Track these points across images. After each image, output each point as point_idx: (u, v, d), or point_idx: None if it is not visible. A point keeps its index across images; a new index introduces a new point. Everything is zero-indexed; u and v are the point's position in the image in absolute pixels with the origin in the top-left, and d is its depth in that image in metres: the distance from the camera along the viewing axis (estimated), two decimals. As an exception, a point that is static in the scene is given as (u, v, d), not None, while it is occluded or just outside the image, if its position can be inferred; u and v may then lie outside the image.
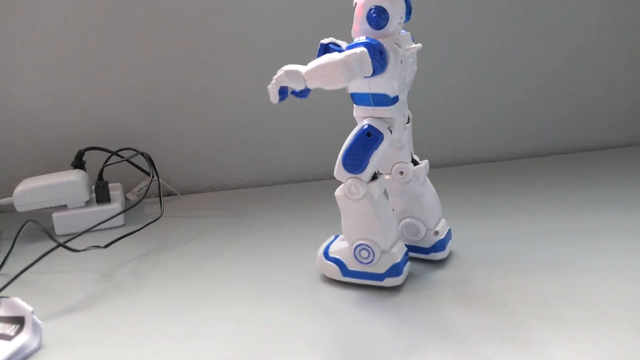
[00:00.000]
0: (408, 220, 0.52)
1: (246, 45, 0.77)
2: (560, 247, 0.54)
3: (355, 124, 0.47)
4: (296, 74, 0.43)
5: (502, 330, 0.41)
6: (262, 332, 0.44)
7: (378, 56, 0.43)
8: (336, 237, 0.53)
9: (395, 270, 0.48)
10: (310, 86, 0.44)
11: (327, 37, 0.49)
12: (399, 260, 0.48)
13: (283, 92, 0.45)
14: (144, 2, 0.74)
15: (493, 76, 0.81)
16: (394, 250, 0.48)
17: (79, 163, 0.71)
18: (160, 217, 0.66)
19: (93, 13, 0.74)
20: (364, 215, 0.47)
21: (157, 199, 0.71)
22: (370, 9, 0.44)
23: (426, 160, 0.52)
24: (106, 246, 0.58)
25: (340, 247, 0.50)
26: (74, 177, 0.68)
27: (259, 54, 0.77)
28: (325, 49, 0.48)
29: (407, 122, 0.50)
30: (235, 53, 0.77)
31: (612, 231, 0.56)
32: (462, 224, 0.57)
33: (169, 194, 0.80)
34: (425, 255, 0.53)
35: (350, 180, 0.46)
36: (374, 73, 0.44)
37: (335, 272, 0.50)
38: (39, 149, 0.78)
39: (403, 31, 0.47)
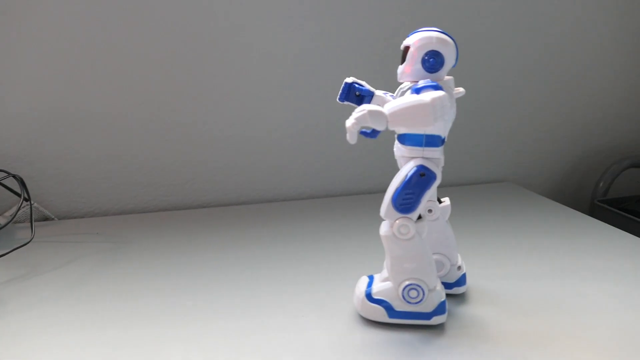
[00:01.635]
0: (435, 256, 0.52)
1: (129, 66, 0.76)
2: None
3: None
4: (379, 114, 0.42)
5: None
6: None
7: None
8: (371, 277, 0.51)
9: (442, 308, 0.48)
10: (392, 127, 0.43)
11: (349, 77, 0.50)
12: (444, 297, 0.48)
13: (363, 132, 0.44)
14: (13, 24, 0.71)
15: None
16: (438, 288, 0.48)
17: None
18: (30, 241, 0.63)
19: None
20: (414, 254, 0.47)
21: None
22: (427, 53, 0.45)
23: (447, 198, 0.53)
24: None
25: (384, 287, 0.49)
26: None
27: (139, 74, 0.76)
28: (350, 88, 0.49)
29: None
30: (117, 75, 0.75)
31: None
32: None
33: (45, 218, 0.77)
34: (449, 290, 0.54)
35: (400, 220, 0.46)
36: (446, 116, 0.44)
37: (381, 314, 0.49)
38: None
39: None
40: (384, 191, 0.47)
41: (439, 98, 0.42)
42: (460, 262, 0.54)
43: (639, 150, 1.02)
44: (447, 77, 0.47)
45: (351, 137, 0.42)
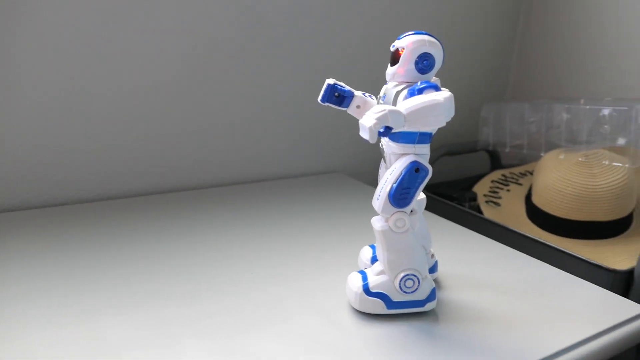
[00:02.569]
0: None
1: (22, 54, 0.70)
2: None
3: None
4: (399, 114, 0.44)
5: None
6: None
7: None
8: (362, 272, 0.53)
9: (433, 295, 0.52)
10: (409, 126, 0.45)
11: (330, 78, 0.51)
12: (434, 284, 0.52)
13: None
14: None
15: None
16: (428, 276, 0.52)
17: None
18: None
19: None
20: (409, 246, 0.50)
21: None
22: (420, 55, 0.47)
23: (422, 192, 0.55)
24: None
25: (381, 280, 0.51)
26: None
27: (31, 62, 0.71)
28: (332, 89, 0.50)
29: None
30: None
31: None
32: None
33: None
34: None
35: (397, 215, 0.48)
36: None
37: (380, 306, 0.51)
38: None
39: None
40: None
41: (450, 98, 0.45)
42: (433, 250, 0.58)
43: (452, 140, 1.11)
44: (434, 78, 0.50)
45: (372, 137, 0.43)
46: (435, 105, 0.44)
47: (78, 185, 0.78)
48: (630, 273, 0.70)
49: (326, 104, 0.52)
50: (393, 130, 0.44)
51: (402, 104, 0.45)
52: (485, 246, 0.70)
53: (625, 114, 0.84)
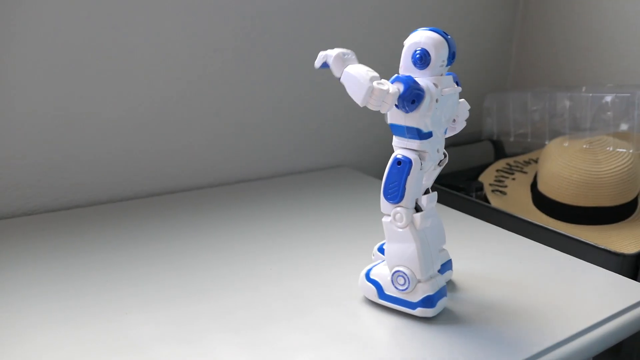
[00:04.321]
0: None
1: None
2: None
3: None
4: (339, 64, 0.47)
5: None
6: None
7: (411, 94, 0.46)
8: (383, 261, 0.55)
9: (427, 302, 0.50)
10: (341, 81, 0.47)
11: None
12: (432, 293, 0.50)
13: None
14: None
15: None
16: (429, 282, 0.50)
17: None
18: None
19: None
20: (407, 243, 0.50)
21: None
22: (415, 51, 0.48)
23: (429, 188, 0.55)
24: None
25: (381, 270, 0.53)
26: None
27: None
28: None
29: (439, 164, 0.52)
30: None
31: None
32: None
33: None
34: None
35: (397, 209, 0.49)
36: (407, 110, 0.47)
37: (372, 293, 0.53)
38: None
39: (449, 73, 0.50)
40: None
41: (385, 92, 0.46)
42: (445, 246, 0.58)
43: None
44: (446, 75, 0.49)
45: (316, 62, 0.49)
46: (359, 82, 0.46)
47: (90, 188, 0.79)
48: (637, 257, 0.72)
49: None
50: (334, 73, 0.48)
51: (355, 65, 0.47)
52: (495, 235, 0.71)
53: (628, 100, 0.85)
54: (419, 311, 0.51)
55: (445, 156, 0.52)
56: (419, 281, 0.50)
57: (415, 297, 0.50)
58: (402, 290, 0.51)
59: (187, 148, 0.85)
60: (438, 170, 0.53)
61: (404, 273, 0.50)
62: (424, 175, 0.50)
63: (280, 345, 0.47)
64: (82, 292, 0.55)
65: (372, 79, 0.46)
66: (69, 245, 0.65)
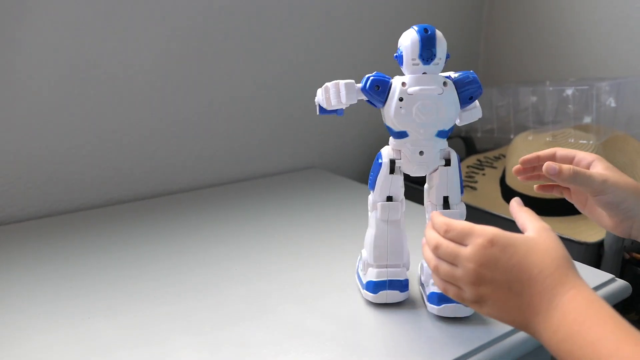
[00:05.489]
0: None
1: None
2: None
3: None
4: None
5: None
6: None
7: (372, 90, 0.48)
8: None
9: (368, 286, 0.52)
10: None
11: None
12: (373, 279, 0.52)
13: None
14: None
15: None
16: (378, 270, 0.52)
17: None
18: None
19: None
20: (369, 228, 0.53)
21: None
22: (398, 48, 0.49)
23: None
24: None
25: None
26: None
27: None
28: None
29: (445, 164, 0.50)
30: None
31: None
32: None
33: None
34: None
35: (369, 195, 0.53)
36: (375, 105, 0.49)
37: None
38: None
39: (452, 74, 0.49)
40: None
41: (337, 83, 0.49)
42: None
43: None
44: (442, 73, 0.49)
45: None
46: (319, 94, 0.50)
47: (58, 196, 0.79)
48: (600, 245, 0.74)
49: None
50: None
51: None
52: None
53: (587, 92, 0.88)
54: (364, 293, 0.53)
55: (445, 161, 0.51)
56: (369, 265, 0.53)
57: (365, 279, 0.53)
58: (362, 271, 0.54)
59: (152, 153, 0.85)
60: (442, 171, 0.50)
61: (361, 254, 0.54)
62: (400, 176, 0.51)
63: (241, 343, 0.48)
64: (45, 299, 0.56)
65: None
66: (38, 254, 0.65)
